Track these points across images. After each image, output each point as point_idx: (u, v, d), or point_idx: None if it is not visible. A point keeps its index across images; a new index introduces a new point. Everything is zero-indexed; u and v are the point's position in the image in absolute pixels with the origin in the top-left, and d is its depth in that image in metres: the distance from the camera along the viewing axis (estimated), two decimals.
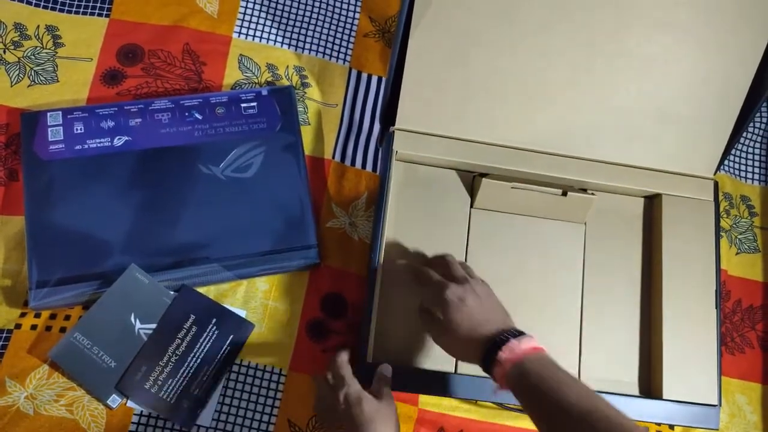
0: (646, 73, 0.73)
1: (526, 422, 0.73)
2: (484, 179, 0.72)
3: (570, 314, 0.74)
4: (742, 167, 0.90)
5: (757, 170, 0.90)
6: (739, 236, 0.86)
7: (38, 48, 0.77)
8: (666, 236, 0.75)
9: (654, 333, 0.74)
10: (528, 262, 0.75)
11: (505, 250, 0.74)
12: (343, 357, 0.65)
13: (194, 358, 0.67)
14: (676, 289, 0.74)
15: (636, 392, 0.73)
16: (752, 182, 0.89)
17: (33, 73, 0.76)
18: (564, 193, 0.73)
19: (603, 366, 0.73)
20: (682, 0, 0.69)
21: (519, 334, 0.58)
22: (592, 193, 0.75)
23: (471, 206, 0.75)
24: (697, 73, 0.73)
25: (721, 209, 0.86)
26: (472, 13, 0.68)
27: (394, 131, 0.73)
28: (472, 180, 0.76)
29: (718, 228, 0.77)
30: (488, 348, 0.57)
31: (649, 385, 0.73)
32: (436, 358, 0.69)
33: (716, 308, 0.73)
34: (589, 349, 0.73)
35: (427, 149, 0.74)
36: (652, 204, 0.79)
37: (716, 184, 0.78)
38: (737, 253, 0.85)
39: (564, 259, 0.75)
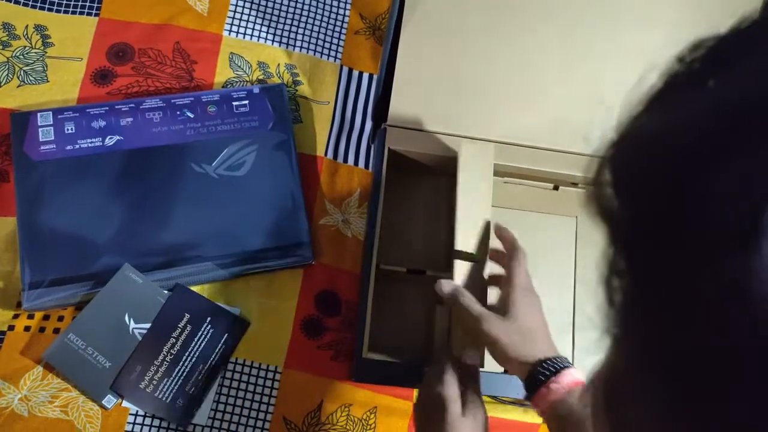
0: (638, 66, 0.73)
1: (519, 415, 0.73)
2: None
3: (562, 308, 0.74)
4: None
5: None
6: None
7: (27, 48, 0.76)
8: None
9: None
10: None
11: (497, 244, 0.75)
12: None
13: (189, 357, 0.67)
14: None
15: None
16: None
17: (22, 73, 0.75)
18: (555, 188, 0.73)
19: (595, 359, 0.73)
20: None
21: None
22: (583, 188, 0.75)
23: None
24: None
25: None
26: (463, 8, 0.69)
27: (386, 128, 0.74)
28: None
29: None
30: None
31: None
32: (429, 354, 0.69)
33: None
34: (582, 341, 0.74)
35: (419, 145, 0.74)
36: None
37: None
38: None
39: (556, 253, 0.76)
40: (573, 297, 0.75)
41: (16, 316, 0.67)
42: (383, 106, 0.73)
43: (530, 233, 0.75)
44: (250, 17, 0.82)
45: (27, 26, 0.77)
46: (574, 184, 0.76)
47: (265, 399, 0.69)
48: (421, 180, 0.75)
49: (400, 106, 0.73)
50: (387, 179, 0.73)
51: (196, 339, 0.68)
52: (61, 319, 0.68)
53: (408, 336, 0.70)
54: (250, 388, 0.69)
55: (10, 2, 0.78)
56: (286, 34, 0.83)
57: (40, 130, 0.70)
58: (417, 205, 0.75)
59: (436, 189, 0.76)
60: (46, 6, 0.78)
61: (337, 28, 0.85)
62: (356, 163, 0.80)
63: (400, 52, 0.70)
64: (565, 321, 0.74)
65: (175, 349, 0.67)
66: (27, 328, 0.67)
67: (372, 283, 0.69)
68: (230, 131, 0.74)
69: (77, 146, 0.70)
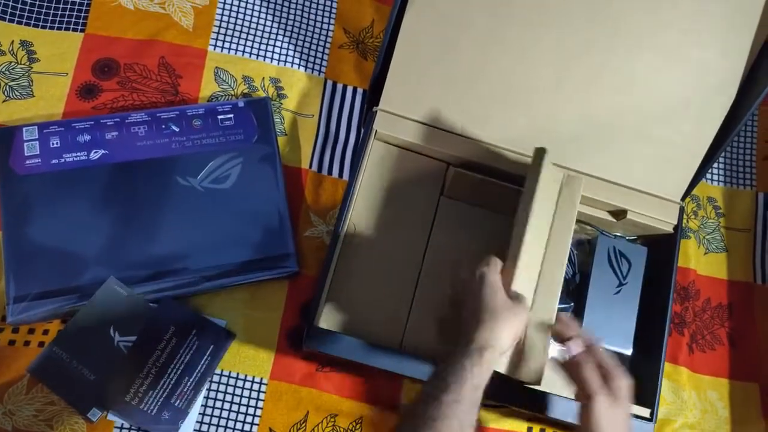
0: (628, 90, 0.73)
1: (507, 424, 0.74)
2: (456, 169, 0.74)
3: None
4: (709, 169, 0.92)
5: (722, 172, 0.93)
6: (707, 236, 0.89)
7: (13, 63, 0.77)
8: None
9: None
10: (486, 254, 0.75)
11: (466, 240, 0.75)
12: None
13: (175, 369, 0.67)
14: None
15: None
16: (718, 183, 0.92)
17: (8, 89, 0.76)
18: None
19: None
20: (673, 23, 0.70)
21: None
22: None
23: (441, 194, 0.76)
24: (677, 97, 0.73)
25: (689, 210, 0.89)
26: (467, 4, 0.69)
27: (377, 111, 0.74)
28: (445, 168, 0.77)
29: (677, 251, 0.77)
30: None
31: None
32: (380, 335, 0.69)
33: (665, 332, 0.74)
34: None
35: (406, 133, 0.74)
36: (617, 219, 0.80)
37: (681, 209, 0.78)
38: (705, 253, 0.88)
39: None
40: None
41: (0, 330, 0.67)
42: (378, 89, 0.74)
43: (500, 235, 0.75)
44: (235, 32, 0.83)
45: (13, 42, 0.78)
46: None
47: (251, 410, 0.70)
48: (403, 166, 0.75)
49: (393, 92, 0.73)
50: (370, 161, 0.73)
51: (181, 351, 0.68)
52: (46, 332, 0.68)
53: (364, 313, 0.70)
54: (236, 399, 0.70)
55: None
56: (270, 48, 0.84)
57: (25, 144, 0.71)
58: (396, 189, 0.74)
59: (416, 177, 0.76)
60: (32, 22, 0.79)
61: (321, 42, 0.86)
62: (340, 175, 0.81)
63: (399, 39, 0.70)
64: None
65: (161, 361, 0.67)
66: (12, 342, 0.67)
67: (338, 254, 0.69)
68: (215, 144, 0.75)
69: (62, 160, 0.71)
